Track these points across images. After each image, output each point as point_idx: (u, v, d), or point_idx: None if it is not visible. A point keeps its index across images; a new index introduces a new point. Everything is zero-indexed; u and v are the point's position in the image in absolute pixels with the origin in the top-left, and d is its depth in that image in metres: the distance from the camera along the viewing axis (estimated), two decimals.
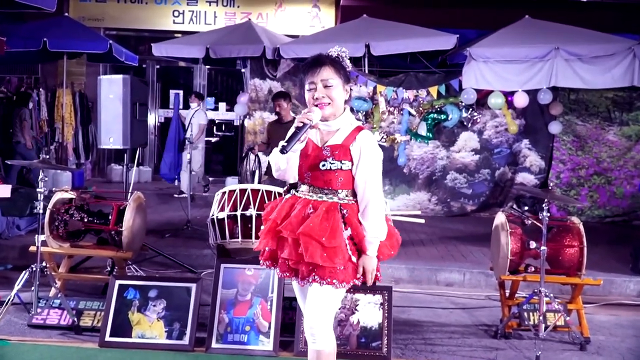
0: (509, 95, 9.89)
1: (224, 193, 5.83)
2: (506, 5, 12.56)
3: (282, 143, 3.27)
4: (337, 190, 3.37)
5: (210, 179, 14.63)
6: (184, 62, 14.34)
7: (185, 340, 4.94)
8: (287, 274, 3.43)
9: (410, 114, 10.75)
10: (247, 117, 11.75)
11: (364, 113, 10.43)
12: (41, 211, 5.28)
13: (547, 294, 5.06)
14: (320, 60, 3.39)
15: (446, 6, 13.64)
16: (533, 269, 5.59)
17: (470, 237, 9.06)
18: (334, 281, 3.29)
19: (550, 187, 5.20)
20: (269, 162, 7.60)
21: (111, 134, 7.03)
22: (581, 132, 11.12)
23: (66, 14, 12.63)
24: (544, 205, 4.87)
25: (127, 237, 5.67)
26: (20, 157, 10.93)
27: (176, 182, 12.57)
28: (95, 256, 6.40)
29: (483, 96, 10.10)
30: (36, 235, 5.32)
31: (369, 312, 5.03)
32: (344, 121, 3.43)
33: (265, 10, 14.79)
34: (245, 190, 5.73)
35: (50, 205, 5.78)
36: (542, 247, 5.00)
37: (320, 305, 3.32)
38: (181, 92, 15.08)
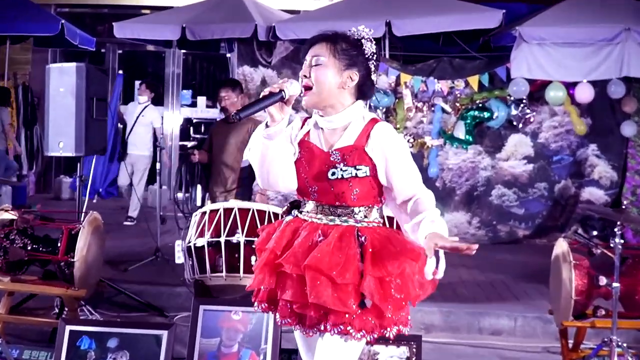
0: (570, 87, 9.91)
1: (203, 214, 5.84)
2: None
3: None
4: (352, 209, 3.31)
5: (186, 195, 14.61)
6: (153, 46, 14.41)
7: None
8: (289, 321, 3.34)
9: (444, 111, 10.79)
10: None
11: (384, 110, 10.47)
12: None
13: (620, 343, 5.04)
14: (320, 35, 3.39)
15: None
16: (603, 312, 5.57)
17: (523, 271, 9.03)
18: (350, 330, 3.18)
19: (624, 206, 5.21)
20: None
21: (61, 137, 7.06)
22: None
23: None
24: (616, 230, 4.86)
25: (80, 269, 5.68)
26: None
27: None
28: (40, 294, 6.39)
29: (537, 88, 10.13)
30: None
31: None
32: (352, 115, 3.37)
33: None
34: (232, 209, 5.74)
35: None
36: (615, 284, 4.99)
37: None
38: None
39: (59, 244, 5.82)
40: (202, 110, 15.28)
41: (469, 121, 10.66)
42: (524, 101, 10.50)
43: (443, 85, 10.60)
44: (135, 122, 11.85)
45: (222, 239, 5.57)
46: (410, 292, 3.31)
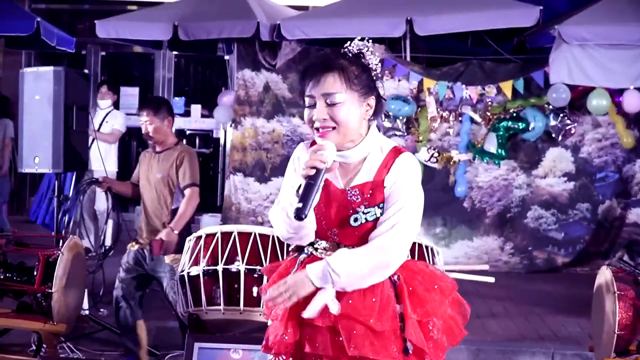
0: (615, 95, 9.95)
1: (198, 238, 5.88)
2: None
3: (294, 204, 3.12)
4: None
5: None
6: (141, 47, 14.49)
7: None
8: None
9: (473, 121, 10.84)
10: (233, 125, 11.85)
11: (404, 120, 10.53)
12: None
13: None
14: (323, 63, 3.29)
15: None
16: None
17: (561, 303, 9.07)
18: None
19: None
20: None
21: (37, 151, 7.11)
22: None
23: None
24: None
25: (59, 302, 5.73)
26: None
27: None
28: (15, 328, 6.46)
29: (579, 96, 10.18)
30: None
31: None
32: (370, 145, 3.36)
33: None
34: (230, 233, 5.77)
35: None
36: None
37: None
38: (136, 90, 15.17)
39: (35, 273, 5.84)
40: (197, 120, 15.09)
41: (501, 133, 10.71)
42: (564, 110, 10.54)
43: (472, 91, 10.66)
44: (98, 131, 10.88)
45: (220, 268, 5.60)
46: (454, 332, 3.41)
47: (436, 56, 11.52)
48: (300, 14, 11.74)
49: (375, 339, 3.17)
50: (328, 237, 3.37)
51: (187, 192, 6.82)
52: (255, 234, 5.72)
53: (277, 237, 5.68)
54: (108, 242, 8.73)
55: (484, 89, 10.71)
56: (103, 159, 8.97)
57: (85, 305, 7.18)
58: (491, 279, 7.13)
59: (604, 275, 5.69)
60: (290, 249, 3.60)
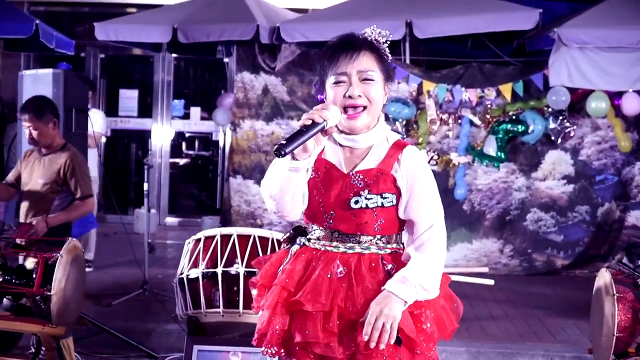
0: (615, 97, 9.97)
1: (197, 241, 5.89)
2: None
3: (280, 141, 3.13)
4: (373, 237, 3.36)
5: (177, 219, 14.77)
6: (141, 50, 14.51)
7: None
8: None
9: (472, 124, 10.86)
10: (232, 128, 11.86)
11: (404, 122, 10.55)
12: None
13: None
14: (356, 42, 3.34)
15: None
16: None
17: (561, 306, 9.09)
18: None
19: None
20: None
21: None
22: None
23: None
24: None
25: (58, 304, 5.73)
26: None
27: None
28: (13, 331, 6.46)
29: (578, 98, 10.19)
30: None
31: None
32: (378, 135, 3.41)
33: None
34: (230, 236, 5.78)
35: None
36: None
37: None
38: (136, 93, 15.20)
39: (34, 276, 5.84)
40: (196, 123, 15.11)
41: (501, 136, 10.72)
42: (564, 113, 10.55)
43: (471, 94, 10.69)
44: None
45: (219, 270, 5.62)
46: (446, 324, 3.39)
47: (436, 59, 11.54)
48: (300, 17, 11.75)
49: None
50: (323, 222, 3.38)
51: (80, 202, 6.73)
52: (254, 237, 5.74)
53: (277, 240, 5.71)
54: None
55: (483, 91, 10.73)
56: None
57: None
58: (490, 282, 7.15)
59: (603, 277, 5.69)
60: (282, 238, 3.59)
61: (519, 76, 10.53)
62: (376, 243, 3.34)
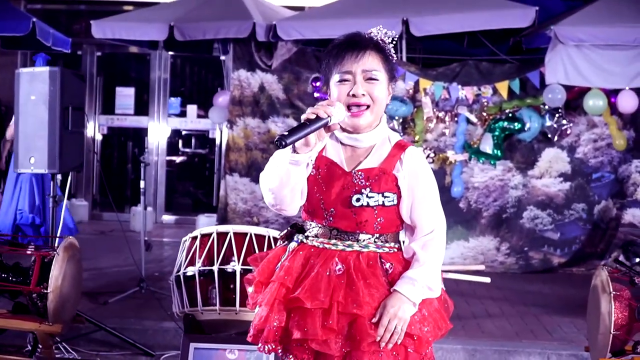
0: (611, 95, 9.98)
1: (194, 239, 5.89)
2: None
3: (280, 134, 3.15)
4: (372, 235, 3.37)
5: (174, 217, 14.79)
6: (137, 48, 14.50)
7: None
8: None
9: (469, 121, 10.87)
10: (228, 126, 11.86)
11: (400, 120, 10.56)
12: None
13: None
14: (362, 41, 3.36)
15: None
16: None
17: (557, 304, 9.09)
18: None
19: None
20: None
21: (32, 152, 7.12)
22: None
23: None
24: None
25: (55, 302, 5.74)
26: None
27: None
28: (10, 329, 6.47)
29: (575, 96, 10.21)
30: None
31: None
32: (380, 135, 3.42)
33: None
34: (226, 234, 5.78)
35: None
36: None
37: None
38: (132, 90, 15.21)
39: (30, 273, 5.85)
40: (193, 121, 15.15)
41: (497, 133, 10.73)
42: (560, 111, 10.56)
43: (468, 92, 10.70)
44: None
45: (216, 268, 5.62)
46: (439, 325, 3.39)
47: (432, 57, 11.55)
48: (296, 15, 11.76)
49: (371, 328, 3.20)
50: (322, 219, 3.38)
51: None
52: (251, 234, 5.75)
53: (273, 238, 5.71)
54: None
55: (480, 89, 10.74)
56: None
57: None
58: (487, 279, 7.14)
59: (600, 275, 5.70)
60: (280, 235, 3.59)
61: (516, 74, 10.54)
62: (374, 241, 3.35)
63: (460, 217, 11.11)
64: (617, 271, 5.74)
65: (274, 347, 3.37)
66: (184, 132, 15.76)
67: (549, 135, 10.88)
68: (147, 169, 9.43)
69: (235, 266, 5.58)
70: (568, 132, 10.86)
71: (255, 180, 11.62)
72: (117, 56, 15.94)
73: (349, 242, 3.34)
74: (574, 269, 11.12)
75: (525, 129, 10.62)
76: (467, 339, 7.54)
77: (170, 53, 14.71)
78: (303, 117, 3.16)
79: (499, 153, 10.78)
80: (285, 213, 3.45)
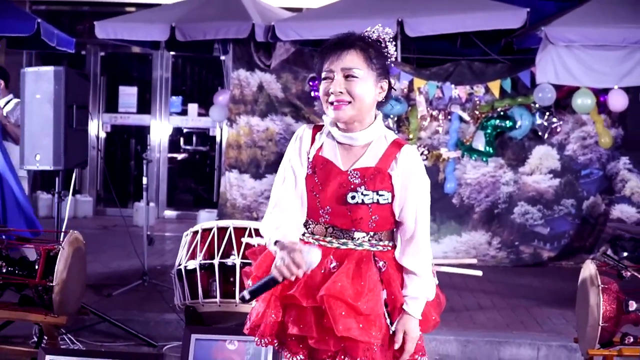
0: (600, 94, 9.98)
1: (195, 233, 5.90)
2: None
3: (246, 290, 3.15)
4: (367, 233, 3.36)
5: (175, 212, 14.81)
6: (139, 48, 14.50)
7: None
8: (302, 357, 3.34)
9: (461, 120, 10.88)
10: (228, 124, 11.86)
11: (395, 118, 10.56)
12: None
13: None
14: (346, 41, 3.33)
15: None
16: (632, 340, 5.63)
17: (547, 296, 9.10)
18: None
19: None
20: None
21: (38, 149, 7.12)
22: None
23: None
24: None
25: (60, 295, 5.74)
26: None
27: None
28: (17, 320, 6.48)
29: (565, 95, 10.22)
30: None
31: None
32: (375, 132, 3.40)
33: None
34: (226, 228, 5.79)
35: None
36: None
37: None
38: (135, 89, 15.21)
39: (36, 267, 5.85)
40: (194, 119, 15.16)
41: (489, 131, 10.74)
42: (550, 109, 10.58)
43: (461, 91, 10.70)
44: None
45: (216, 262, 5.63)
46: (429, 319, 3.42)
47: (426, 57, 11.54)
48: (294, 16, 11.75)
49: (360, 322, 3.19)
50: (319, 217, 3.38)
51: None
52: (250, 229, 5.77)
53: None
54: None
55: (472, 88, 10.75)
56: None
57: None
58: (479, 273, 7.15)
59: (589, 269, 5.70)
60: None
61: (507, 73, 10.55)
62: (369, 240, 3.35)
63: (453, 212, 11.12)
64: (605, 265, 5.74)
65: (270, 340, 3.38)
66: (185, 130, 15.77)
67: (540, 133, 10.90)
68: (150, 166, 9.42)
69: (235, 260, 5.59)
70: (558, 130, 10.89)
71: (255, 176, 11.64)
72: (120, 56, 15.93)
73: (344, 240, 3.34)
74: (563, 262, 11.13)
75: (517, 127, 10.64)
76: (459, 331, 7.55)
77: (172, 53, 14.67)
78: (272, 273, 3.12)
79: (491, 150, 10.79)
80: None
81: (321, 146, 3.42)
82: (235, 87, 11.67)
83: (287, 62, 11.42)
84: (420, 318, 3.33)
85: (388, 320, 3.29)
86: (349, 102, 3.28)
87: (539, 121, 10.71)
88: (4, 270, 5.89)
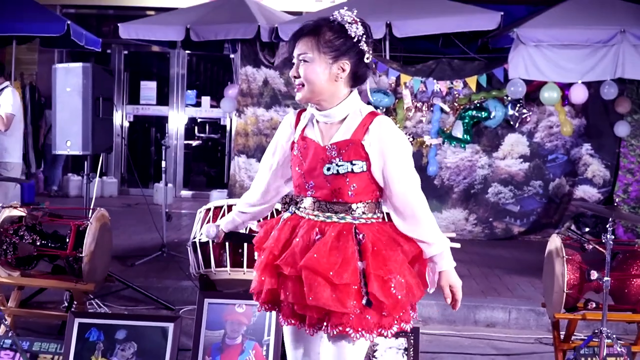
0: (565, 88, 9.97)
1: (208, 210, 5.89)
2: None
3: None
4: (350, 205, 3.22)
5: (191, 192, 14.81)
6: (158, 47, 14.47)
7: None
8: (293, 322, 3.28)
9: (442, 111, 10.85)
10: (237, 114, 11.85)
11: (384, 110, 10.53)
12: None
13: (610, 335, 5.10)
14: (302, 29, 3.28)
15: None
16: (594, 305, 5.64)
17: (517, 266, 9.11)
18: (349, 330, 3.11)
19: (616, 204, 5.28)
20: None
21: (68, 136, 7.12)
22: None
23: None
24: (608, 226, 4.93)
25: (88, 264, 5.74)
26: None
27: None
28: (49, 288, 6.48)
29: (534, 89, 10.19)
30: None
31: None
32: (349, 107, 3.28)
33: None
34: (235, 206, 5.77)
35: None
36: (605, 278, 5.04)
37: None
38: (154, 84, 15.20)
39: (67, 240, 5.85)
40: (207, 110, 15.27)
41: (467, 121, 10.72)
42: (521, 101, 10.57)
43: (442, 85, 10.66)
44: None
45: None
46: (414, 291, 3.27)
47: (412, 55, 11.50)
48: (295, 18, 11.69)
49: (334, 292, 3.08)
50: (306, 192, 3.32)
51: None
52: None
53: (276, 210, 5.70)
54: None
55: (452, 83, 10.71)
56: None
57: None
58: (457, 245, 7.06)
59: (554, 242, 5.69)
60: (281, 207, 3.49)
61: (483, 70, 10.50)
62: (352, 213, 3.23)
63: (434, 192, 11.12)
64: (569, 239, 5.73)
65: (269, 306, 3.36)
66: (199, 120, 15.79)
67: (511, 123, 10.91)
68: (168, 151, 9.40)
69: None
70: (527, 119, 10.91)
71: (260, 160, 11.63)
72: (141, 54, 15.92)
73: (328, 214, 3.24)
74: (532, 236, 11.16)
75: (491, 117, 10.62)
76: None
77: (187, 52, 14.68)
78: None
79: (468, 138, 10.77)
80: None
81: (304, 127, 3.36)
82: (243, 82, 11.66)
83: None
84: (454, 264, 3.32)
85: (364, 290, 3.11)
86: (302, 85, 3.25)
87: (510, 112, 10.71)
88: (39, 243, 5.89)
